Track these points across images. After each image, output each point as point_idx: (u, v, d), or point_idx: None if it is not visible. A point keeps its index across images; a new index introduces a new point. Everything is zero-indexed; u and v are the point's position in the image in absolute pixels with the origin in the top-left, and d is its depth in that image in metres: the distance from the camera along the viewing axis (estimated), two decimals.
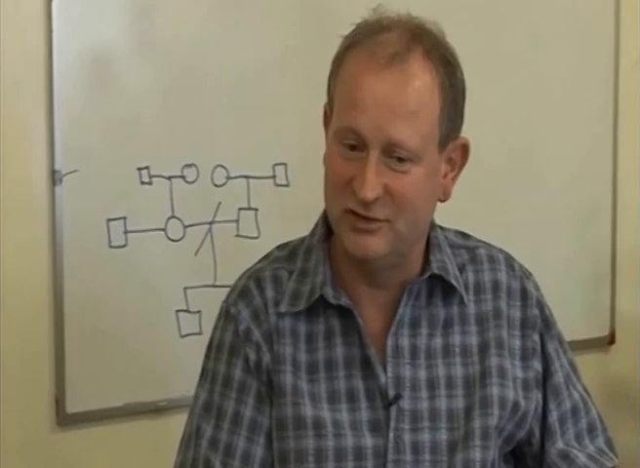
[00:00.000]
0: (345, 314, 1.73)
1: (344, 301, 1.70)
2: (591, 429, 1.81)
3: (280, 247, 1.79)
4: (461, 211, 2.60)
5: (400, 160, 1.61)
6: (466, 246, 1.78)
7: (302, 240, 1.78)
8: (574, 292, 2.93)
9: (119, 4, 2.38)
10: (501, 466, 1.78)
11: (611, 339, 2.99)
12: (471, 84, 2.58)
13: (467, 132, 1.84)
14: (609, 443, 1.82)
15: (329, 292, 1.70)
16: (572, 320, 2.94)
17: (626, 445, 2.35)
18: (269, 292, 1.74)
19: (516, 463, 1.80)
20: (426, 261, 1.72)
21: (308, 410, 1.70)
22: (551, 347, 1.79)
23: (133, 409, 2.31)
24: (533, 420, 1.75)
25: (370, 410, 1.71)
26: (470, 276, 1.75)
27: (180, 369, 2.28)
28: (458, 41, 2.68)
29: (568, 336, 1.92)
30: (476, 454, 1.69)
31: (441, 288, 1.72)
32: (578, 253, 3.10)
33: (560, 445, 1.76)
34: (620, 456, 1.92)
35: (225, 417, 1.71)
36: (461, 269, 1.75)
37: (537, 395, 1.75)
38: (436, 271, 1.69)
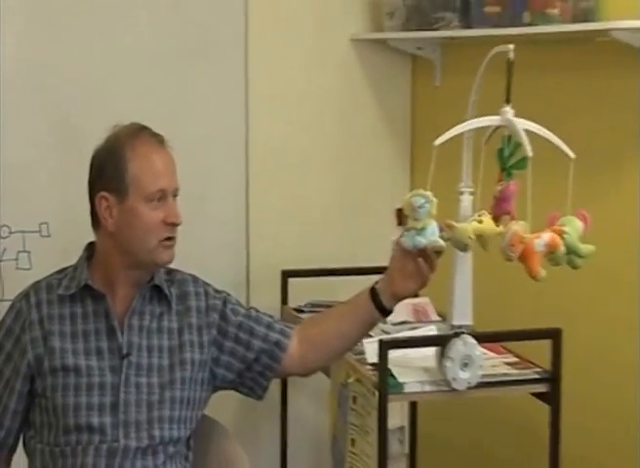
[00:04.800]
0: (99, 300, 2.23)
1: (98, 288, 2.22)
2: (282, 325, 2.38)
3: (58, 270, 2.33)
4: None
5: (174, 197, 2.24)
6: (168, 271, 2.35)
7: (70, 266, 2.31)
8: None
9: None
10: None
11: None
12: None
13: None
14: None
15: (90, 282, 2.22)
16: None
17: None
18: (43, 295, 2.25)
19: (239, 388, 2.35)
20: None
21: (70, 361, 2.19)
22: (229, 313, 2.33)
23: None
24: (224, 363, 2.30)
25: (111, 360, 2.21)
26: (172, 289, 2.32)
27: None
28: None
29: None
30: (177, 392, 2.24)
31: (157, 294, 2.29)
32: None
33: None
34: None
35: None
36: (168, 285, 2.31)
37: (213, 349, 2.28)
38: (157, 283, 2.28)
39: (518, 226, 2.07)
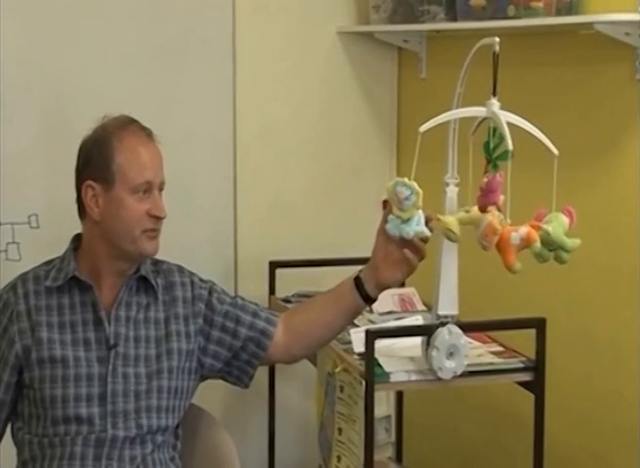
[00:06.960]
0: (86, 291, 2.23)
1: (85, 279, 2.22)
2: (267, 311, 2.39)
3: (45, 262, 2.34)
4: None
5: (160, 191, 2.23)
6: (154, 262, 2.36)
7: (57, 257, 2.32)
8: None
9: None
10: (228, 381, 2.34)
11: None
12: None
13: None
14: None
15: (77, 273, 2.22)
16: None
17: None
18: (30, 286, 2.26)
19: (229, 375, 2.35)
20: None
21: (58, 352, 2.19)
22: (215, 302, 2.33)
23: None
24: (210, 351, 2.30)
25: (98, 351, 2.21)
26: (159, 280, 2.33)
27: None
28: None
29: None
30: (164, 382, 2.25)
31: (144, 284, 2.30)
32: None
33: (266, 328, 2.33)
34: None
35: None
36: (154, 275, 2.31)
37: (200, 338, 2.29)
38: (144, 273, 2.28)
39: (493, 217, 2.09)
